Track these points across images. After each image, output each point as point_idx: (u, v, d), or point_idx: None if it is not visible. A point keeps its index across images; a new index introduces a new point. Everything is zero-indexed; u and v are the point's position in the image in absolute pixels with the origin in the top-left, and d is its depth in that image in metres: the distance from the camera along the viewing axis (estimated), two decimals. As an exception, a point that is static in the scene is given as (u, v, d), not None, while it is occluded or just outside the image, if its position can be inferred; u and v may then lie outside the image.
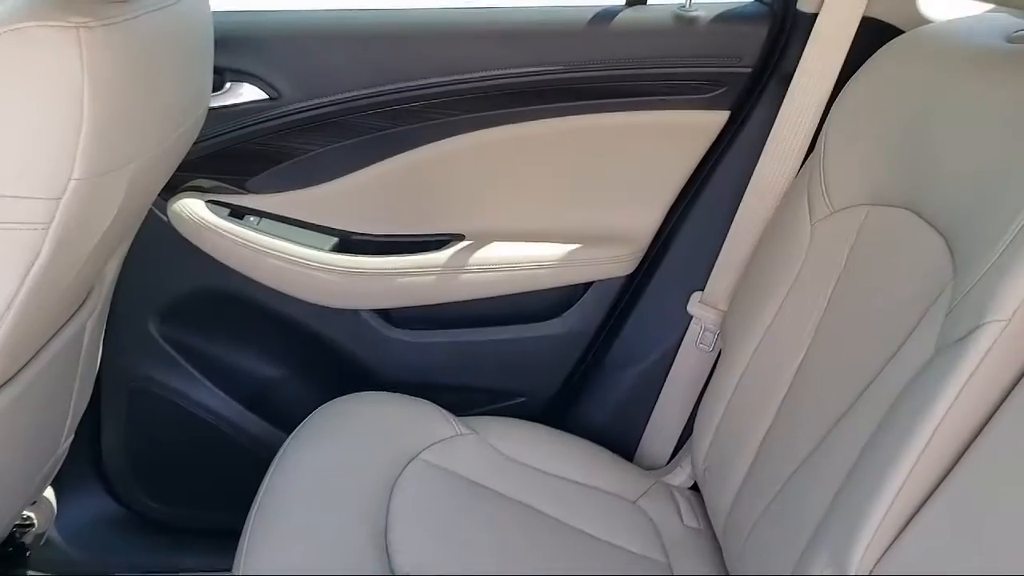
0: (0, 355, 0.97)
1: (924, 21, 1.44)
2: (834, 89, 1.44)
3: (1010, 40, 1.19)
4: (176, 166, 1.27)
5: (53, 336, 1.22)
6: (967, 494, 0.92)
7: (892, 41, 1.36)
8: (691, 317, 1.63)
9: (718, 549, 1.42)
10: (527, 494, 1.43)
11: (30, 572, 1.73)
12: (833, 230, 1.33)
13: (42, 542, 1.72)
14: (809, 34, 1.45)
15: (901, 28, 1.43)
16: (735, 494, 1.36)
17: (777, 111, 1.49)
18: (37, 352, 1.17)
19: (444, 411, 1.53)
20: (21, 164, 0.87)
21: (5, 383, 1.08)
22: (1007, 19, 1.29)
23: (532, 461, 1.51)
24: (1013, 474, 0.87)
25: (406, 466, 1.39)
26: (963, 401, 0.94)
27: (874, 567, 0.99)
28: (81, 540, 1.76)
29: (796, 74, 1.47)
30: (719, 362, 1.53)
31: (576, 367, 1.73)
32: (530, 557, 1.30)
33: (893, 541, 0.98)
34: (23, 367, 1.14)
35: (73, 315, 1.29)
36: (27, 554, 1.71)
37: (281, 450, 1.42)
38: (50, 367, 1.23)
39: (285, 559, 1.18)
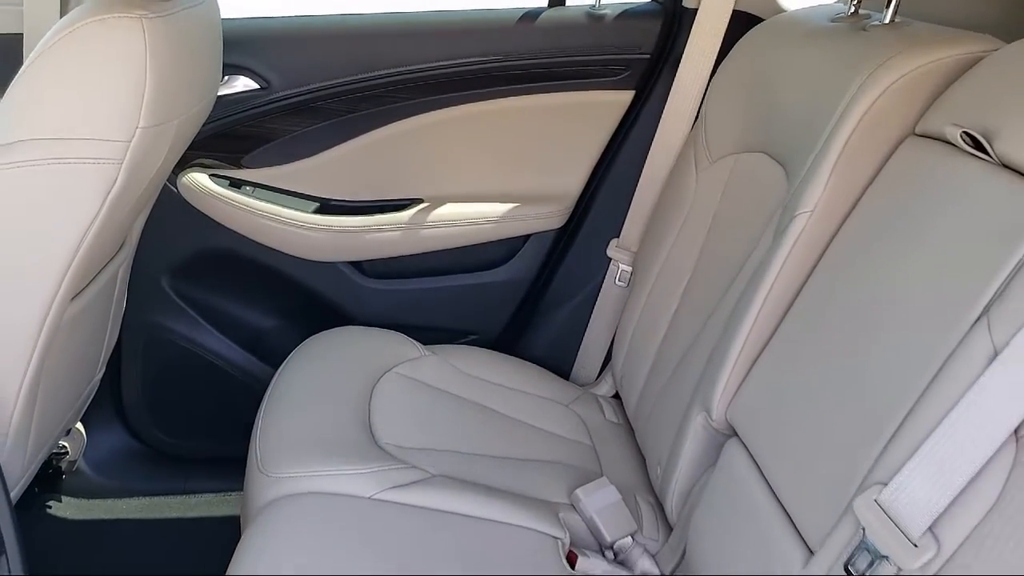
0: (81, 265, 1.30)
1: (781, 11, 1.82)
2: (713, 67, 1.82)
3: (832, 20, 1.57)
4: (195, 134, 1.60)
5: (100, 271, 1.55)
6: (787, 342, 1.28)
7: (754, 28, 1.74)
8: (610, 260, 1.99)
9: (631, 434, 1.77)
10: (480, 397, 1.77)
11: (63, 496, 2.04)
12: (712, 177, 1.70)
13: (73, 468, 2.03)
14: (692, 26, 1.83)
15: (763, 18, 1.81)
16: (641, 388, 1.72)
17: (671, 88, 1.87)
18: (92, 279, 1.51)
19: (411, 339, 1.87)
20: (104, 115, 1.21)
21: (75, 297, 1.41)
22: (837, 7, 1.67)
23: (485, 376, 1.85)
24: (816, 323, 1.23)
25: (381, 377, 1.73)
26: (785, 273, 1.31)
27: (730, 401, 1.35)
28: (105, 468, 2.07)
29: (683, 58, 1.85)
30: (630, 293, 1.89)
31: (519, 307, 2.08)
32: (481, 437, 1.64)
33: (742, 381, 1.34)
34: (84, 289, 1.47)
35: (111, 260, 1.62)
36: (62, 477, 2.03)
37: (279, 370, 1.75)
38: (97, 297, 1.56)
39: (293, 434, 1.50)
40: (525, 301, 2.08)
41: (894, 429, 1.00)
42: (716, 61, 1.82)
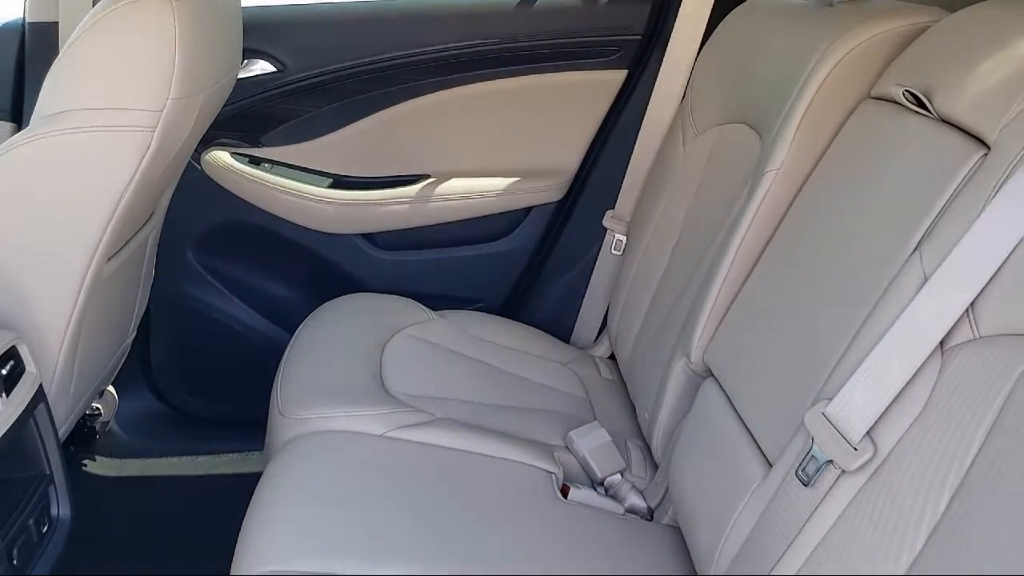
0: (117, 227, 1.44)
1: (759, -7, 1.95)
2: (700, 47, 1.95)
3: (805, 1, 1.69)
4: (218, 110, 1.74)
5: (132, 237, 1.70)
6: (757, 287, 1.41)
7: (735, 9, 1.87)
8: (606, 230, 2.12)
9: (624, 388, 1.90)
10: (484, 356, 1.90)
11: (97, 455, 2.19)
12: (697, 147, 1.83)
13: (106, 429, 2.18)
14: (679, 8, 1.96)
15: (744, -1, 1.93)
16: (632, 343, 1.85)
17: (660, 67, 2.00)
18: (126, 243, 1.65)
19: (420, 304, 2.00)
20: (139, 87, 1.35)
21: (111, 258, 1.55)
22: (812, -11, 1.80)
23: (489, 338, 1.98)
24: (781, 268, 1.36)
25: (392, 336, 1.86)
26: (755, 225, 1.44)
27: (707, 345, 1.48)
28: (135, 430, 2.21)
29: (672, 38, 1.98)
30: (624, 259, 2.02)
31: (522, 275, 2.22)
32: (484, 389, 1.77)
33: (718, 326, 1.47)
34: (118, 251, 1.61)
35: (142, 227, 1.76)
36: (95, 437, 2.17)
37: (297, 331, 1.88)
38: (129, 260, 1.70)
39: (311, 383, 1.64)
40: (527, 270, 2.21)
41: (841, 352, 1.12)
42: (702, 41, 1.95)
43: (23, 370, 1.37)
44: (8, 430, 1.30)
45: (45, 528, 1.40)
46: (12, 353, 1.35)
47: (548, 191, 2.15)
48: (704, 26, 1.95)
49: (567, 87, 2.09)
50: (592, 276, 2.15)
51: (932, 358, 1.01)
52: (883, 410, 1.02)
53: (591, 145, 2.14)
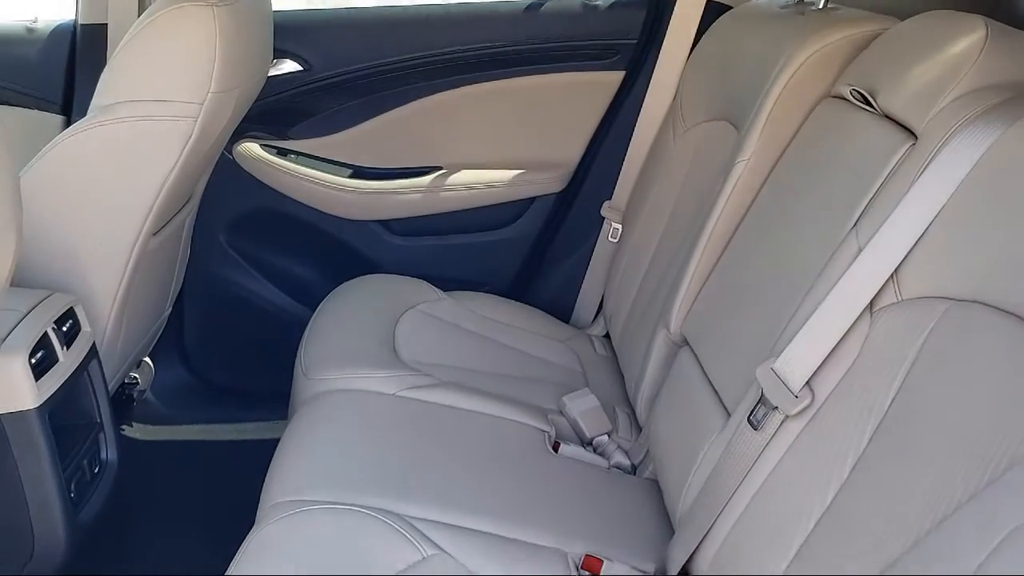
0: (161, 206, 1.63)
1: (747, 0, 2.12)
2: (690, 50, 2.12)
3: (781, 8, 1.86)
4: (250, 104, 1.93)
5: (173, 217, 1.89)
6: (727, 265, 1.59)
7: (723, 15, 2.04)
8: (604, 219, 2.30)
9: (617, 364, 2.07)
10: (488, 332, 2.08)
11: (134, 421, 2.38)
12: (686, 142, 2.00)
13: (143, 398, 2.37)
14: (672, 14, 2.13)
15: (732, 6, 2.10)
16: (624, 321, 2.02)
17: (654, 68, 2.17)
18: (168, 222, 1.84)
19: (431, 285, 2.18)
20: (183, 82, 1.54)
21: (155, 233, 1.74)
22: (790, -4, 1.97)
23: (493, 317, 2.15)
24: (747, 247, 1.53)
25: (404, 312, 2.04)
26: (727, 210, 1.61)
27: (684, 318, 1.65)
28: (169, 399, 2.40)
29: (665, 42, 2.15)
30: (619, 245, 2.20)
31: (526, 261, 2.40)
32: (487, 359, 1.95)
33: (694, 301, 1.65)
34: (161, 228, 1.80)
35: (180, 210, 1.95)
36: (133, 405, 2.36)
37: (319, 307, 2.07)
38: (170, 238, 1.89)
39: (331, 350, 1.82)
40: (531, 255, 2.39)
41: (791, 316, 1.29)
42: (693, 44, 2.12)
43: (79, 329, 1.56)
44: (67, 380, 1.49)
45: (97, 469, 1.59)
46: (70, 314, 1.54)
47: (551, 182, 2.33)
48: (694, 31, 2.12)
49: (569, 86, 2.27)
50: (591, 261, 2.33)
51: (862, 319, 1.18)
52: (819, 363, 1.19)
53: (591, 140, 2.31)
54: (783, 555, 1.14)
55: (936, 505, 0.94)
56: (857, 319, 1.18)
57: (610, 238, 2.29)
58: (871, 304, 1.17)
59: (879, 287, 1.17)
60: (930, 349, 1.07)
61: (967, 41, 1.23)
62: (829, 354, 1.19)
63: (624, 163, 2.25)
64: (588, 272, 2.33)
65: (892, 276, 1.16)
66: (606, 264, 2.30)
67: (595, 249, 2.32)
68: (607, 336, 2.25)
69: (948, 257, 1.10)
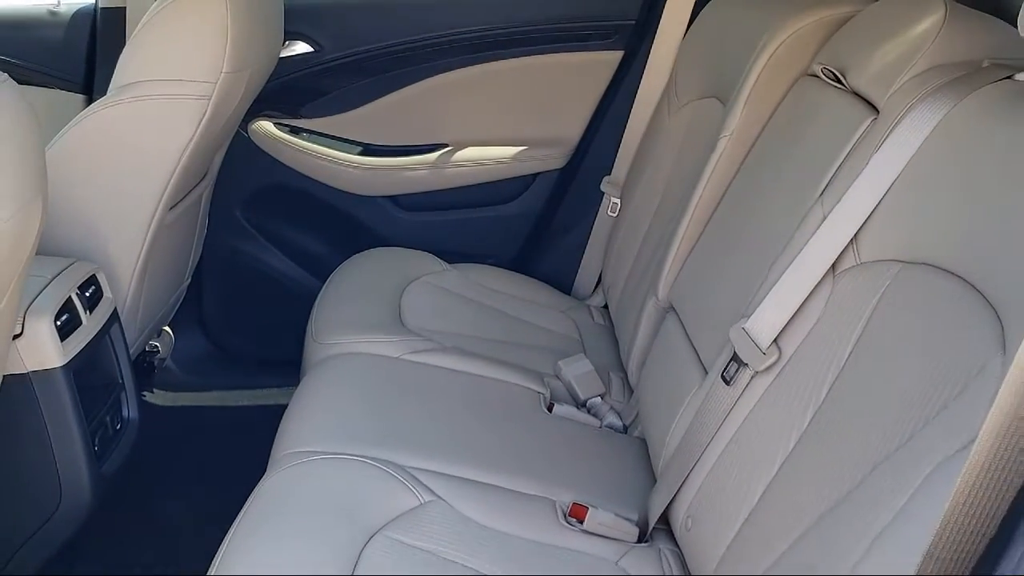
0: (178, 180, 1.73)
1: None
2: (685, 31, 2.20)
3: (769, -10, 1.94)
4: (263, 84, 2.03)
5: (189, 192, 1.99)
6: (710, 235, 1.67)
7: (715, -3, 2.12)
8: (603, 194, 2.39)
9: (613, 332, 2.16)
10: (491, 302, 2.18)
11: (155, 388, 2.49)
12: (679, 119, 2.09)
13: (163, 365, 2.48)
14: (668, -3, 2.22)
15: (725, -11, 2.18)
16: (620, 290, 2.11)
17: (651, 48, 2.25)
18: (184, 196, 1.94)
19: (436, 257, 2.28)
20: (197, 63, 1.64)
21: (172, 207, 1.84)
22: (780, -20, 2.04)
23: (496, 288, 2.25)
24: (729, 218, 1.62)
25: (410, 283, 2.14)
26: (712, 182, 1.70)
27: (671, 285, 1.75)
28: (188, 366, 2.51)
29: (661, 23, 2.23)
30: (617, 220, 2.29)
31: (529, 234, 2.49)
32: (488, 326, 2.05)
33: (680, 269, 1.74)
34: (178, 202, 1.90)
35: (197, 185, 2.06)
36: (154, 372, 2.48)
37: (329, 277, 2.17)
38: (187, 211, 2.00)
39: (340, 316, 1.92)
40: (534, 229, 2.49)
41: (762, 280, 1.38)
42: (688, 25, 2.20)
43: (101, 295, 1.67)
44: (90, 342, 1.60)
45: (119, 426, 1.71)
46: (93, 280, 1.65)
47: (552, 159, 2.42)
48: (689, 12, 2.20)
49: (570, 66, 2.35)
50: (591, 235, 2.41)
51: (825, 281, 1.27)
52: (786, 323, 1.29)
53: (591, 118, 2.40)
54: (748, 502, 1.23)
55: (870, 454, 1.03)
56: (820, 281, 1.26)
57: (609, 212, 2.38)
58: (833, 267, 1.26)
59: (840, 251, 1.25)
60: (883, 308, 1.16)
61: (927, 22, 1.31)
62: (795, 314, 1.28)
63: (622, 140, 2.33)
64: (588, 245, 2.42)
65: (852, 241, 1.25)
66: (606, 237, 2.39)
67: (595, 223, 2.41)
68: (606, 307, 2.34)
69: (901, 223, 1.19)
